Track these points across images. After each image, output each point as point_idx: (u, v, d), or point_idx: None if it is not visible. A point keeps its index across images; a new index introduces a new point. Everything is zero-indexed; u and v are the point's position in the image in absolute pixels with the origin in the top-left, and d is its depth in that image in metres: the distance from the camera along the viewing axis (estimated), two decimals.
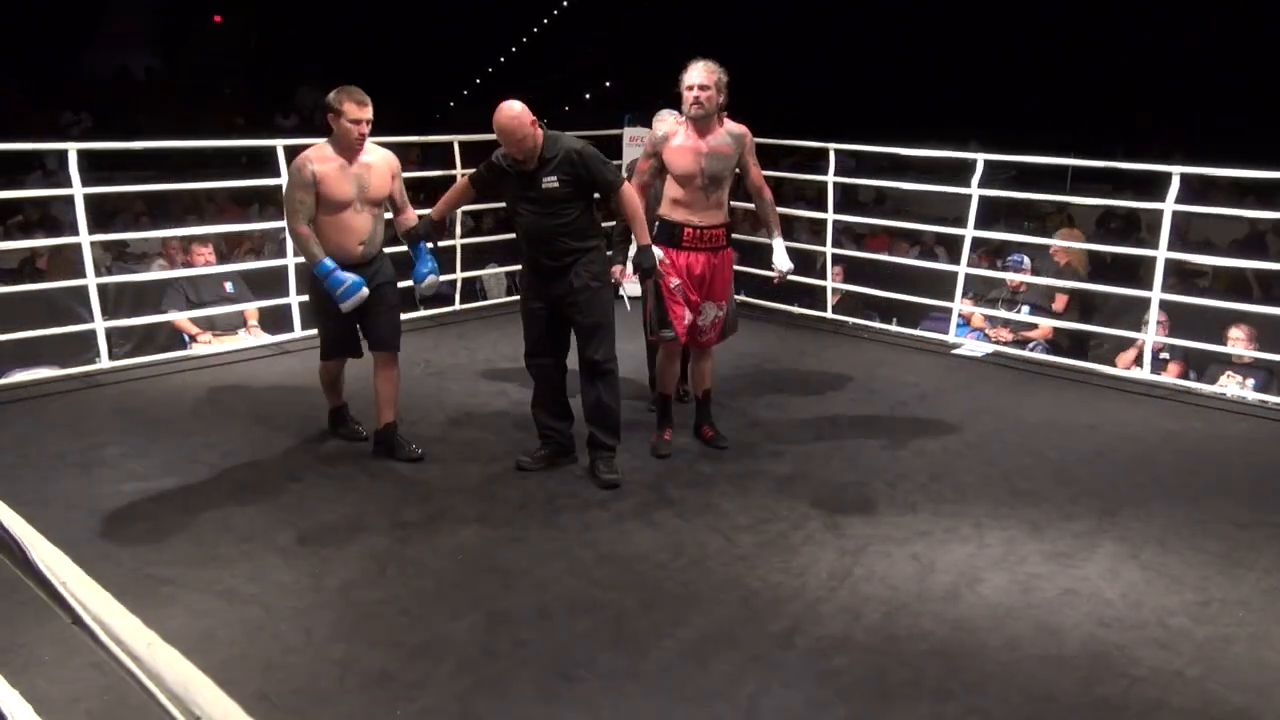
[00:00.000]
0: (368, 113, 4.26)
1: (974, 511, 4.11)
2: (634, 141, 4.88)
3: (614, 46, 19.19)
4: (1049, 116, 13.75)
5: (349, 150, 4.32)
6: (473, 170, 4.49)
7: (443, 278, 4.82)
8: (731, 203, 4.66)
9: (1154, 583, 3.56)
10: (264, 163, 6.43)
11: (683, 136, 4.41)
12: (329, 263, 4.27)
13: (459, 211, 6.53)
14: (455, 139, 6.97)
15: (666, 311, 4.45)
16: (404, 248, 4.60)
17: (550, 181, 4.14)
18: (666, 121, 5.06)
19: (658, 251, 4.30)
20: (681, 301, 4.49)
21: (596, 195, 4.28)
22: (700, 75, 4.29)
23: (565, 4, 21.16)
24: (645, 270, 4.27)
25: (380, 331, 4.52)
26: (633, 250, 4.40)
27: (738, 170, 4.51)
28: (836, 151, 6.95)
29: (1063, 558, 3.73)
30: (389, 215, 4.63)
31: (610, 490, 4.26)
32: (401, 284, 4.66)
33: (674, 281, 4.45)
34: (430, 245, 4.49)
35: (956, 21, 16.17)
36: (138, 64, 18.57)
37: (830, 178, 6.95)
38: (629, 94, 6.53)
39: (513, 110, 4.05)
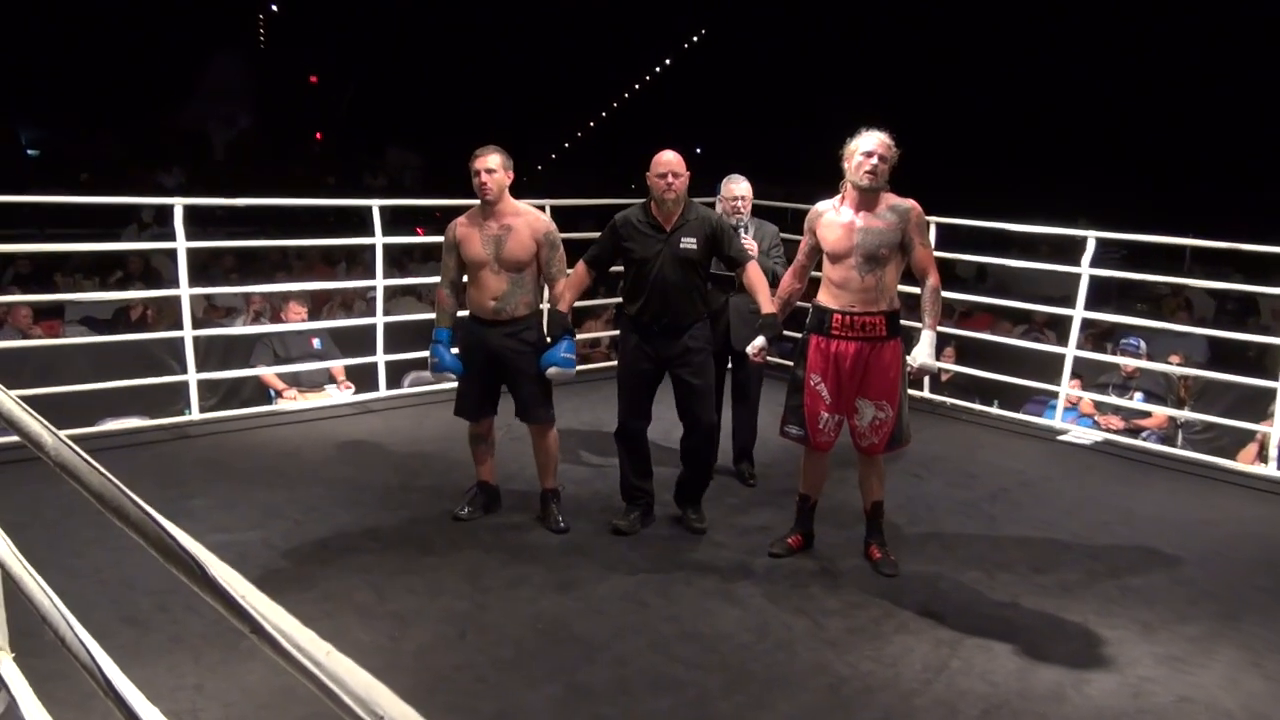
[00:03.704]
0: (479, 163, 4.26)
1: (1080, 608, 3.87)
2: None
3: (701, 113, 19.26)
4: (1165, 194, 13.35)
5: (486, 207, 4.34)
6: (586, 254, 4.50)
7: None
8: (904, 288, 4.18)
9: (1279, 695, 3.29)
10: (353, 222, 6.54)
11: (837, 211, 4.04)
12: (442, 332, 4.46)
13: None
14: (547, 203, 6.99)
15: (801, 406, 4.13)
16: None
17: (689, 243, 4.29)
18: (741, 184, 5.09)
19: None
20: (821, 399, 4.08)
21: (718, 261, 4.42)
22: (875, 143, 3.91)
23: (657, 70, 21.55)
24: (766, 334, 4.18)
25: (522, 402, 4.48)
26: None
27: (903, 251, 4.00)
28: (938, 225, 6.81)
29: (1177, 662, 3.48)
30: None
31: (699, 536, 4.46)
32: None
33: (814, 378, 4.08)
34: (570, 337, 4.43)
35: (1068, 94, 15.93)
36: (234, 121, 19.23)
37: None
38: (720, 160, 6.48)
39: (674, 153, 4.30)
